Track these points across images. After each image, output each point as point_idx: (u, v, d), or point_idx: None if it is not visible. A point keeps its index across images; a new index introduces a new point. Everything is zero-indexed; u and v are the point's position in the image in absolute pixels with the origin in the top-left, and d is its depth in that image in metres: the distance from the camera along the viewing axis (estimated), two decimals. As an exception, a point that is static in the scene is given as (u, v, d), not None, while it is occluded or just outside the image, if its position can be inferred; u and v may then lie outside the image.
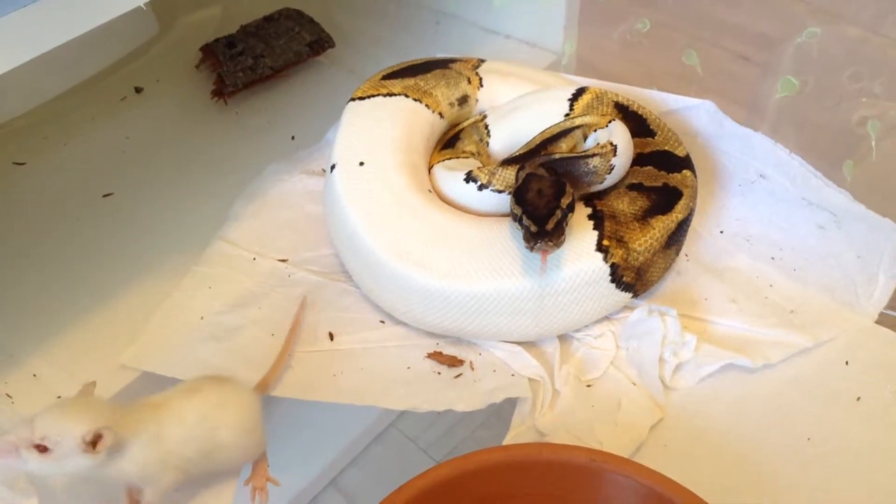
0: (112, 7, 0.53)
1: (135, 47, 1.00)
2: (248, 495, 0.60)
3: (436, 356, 0.68)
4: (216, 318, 0.70)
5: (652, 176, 0.71)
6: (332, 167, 0.72)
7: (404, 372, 0.67)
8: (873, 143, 0.82)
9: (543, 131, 0.73)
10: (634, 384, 0.66)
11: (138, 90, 0.96)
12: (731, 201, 0.78)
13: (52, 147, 0.89)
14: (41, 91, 0.94)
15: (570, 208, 0.64)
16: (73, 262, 0.76)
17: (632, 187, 0.70)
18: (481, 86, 0.80)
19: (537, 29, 0.96)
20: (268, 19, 0.99)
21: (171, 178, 0.84)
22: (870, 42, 0.88)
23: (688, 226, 0.71)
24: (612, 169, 0.68)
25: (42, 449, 0.49)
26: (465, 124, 0.79)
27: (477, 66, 0.81)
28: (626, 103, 0.76)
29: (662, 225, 0.68)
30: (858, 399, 0.65)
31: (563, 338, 0.69)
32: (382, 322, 0.71)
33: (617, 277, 0.66)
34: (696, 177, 0.73)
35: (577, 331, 0.69)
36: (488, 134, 0.77)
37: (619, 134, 0.69)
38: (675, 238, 0.70)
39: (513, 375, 0.67)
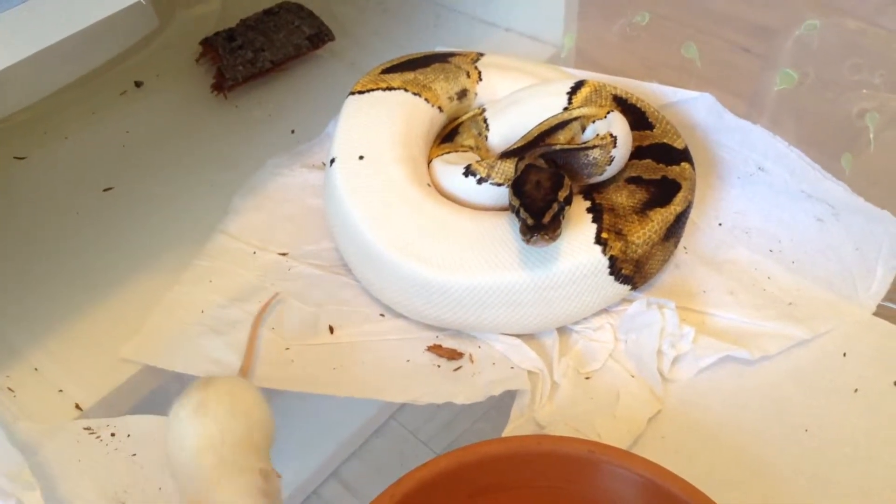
0: (112, 2, 0.53)
1: (135, 41, 1.00)
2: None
3: (435, 349, 0.68)
4: (217, 311, 0.70)
5: (650, 169, 0.71)
6: (332, 161, 0.72)
7: (404, 365, 0.67)
8: (871, 136, 0.82)
9: (541, 123, 0.73)
10: (633, 376, 0.67)
11: (138, 84, 0.96)
12: (729, 194, 0.79)
13: (52, 141, 0.89)
14: (41, 86, 0.94)
15: (568, 201, 0.64)
16: (73, 256, 0.76)
17: (630, 180, 0.70)
18: (480, 80, 0.80)
19: (537, 22, 0.96)
20: (267, 13, 0.98)
21: (172, 172, 0.84)
22: (869, 34, 0.88)
23: (686, 218, 0.72)
24: (612, 160, 0.68)
25: None
26: (463, 118, 0.79)
27: (476, 60, 0.81)
28: (624, 96, 0.76)
29: (661, 217, 0.68)
30: (856, 391, 0.65)
31: (562, 330, 0.69)
32: (382, 315, 0.71)
33: (616, 270, 0.67)
34: (694, 169, 0.73)
35: (576, 323, 0.70)
36: (487, 128, 0.77)
37: (618, 125, 0.69)
38: (674, 230, 0.70)
39: (512, 368, 0.67)
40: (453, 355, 0.68)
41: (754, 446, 0.63)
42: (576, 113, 0.72)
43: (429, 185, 0.72)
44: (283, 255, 0.75)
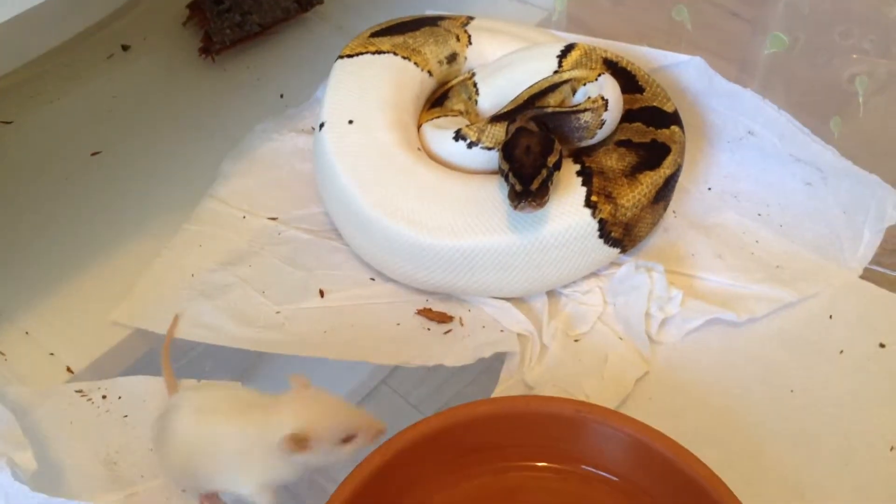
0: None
1: (121, 4, 0.99)
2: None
3: (425, 312, 0.69)
4: (207, 275, 0.70)
5: (640, 132, 0.71)
6: (321, 125, 0.72)
7: (394, 328, 0.68)
8: (861, 100, 0.82)
9: (531, 86, 0.72)
10: (621, 339, 0.67)
11: (125, 48, 0.95)
12: (719, 158, 0.79)
13: (38, 106, 0.88)
14: (27, 49, 0.92)
15: (557, 166, 0.64)
16: (62, 221, 0.76)
17: (620, 143, 0.70)
18: (470, 43, 0.79)
19: (527, -15, 0.95)
20: (255, -25, 0.97)
21: (160, 137, 0.83)
22: (861, -1, 0.88)
23: (675, 181, 0.72)
24: (603, 124, 0.68)
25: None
26: (453, 82, 0.79)
27: (466, 24, 0.81)
28: (614, 59, 0.75)
29: (650, 181, 0.68)
30: (841, 352, 0.66)
31: (552, 293, 0.70)
32: (372, 279, 0.71)
33: (605, 233, 0.67)
34: (684, 132, 0.73)
35: (566, 287, 0.70)
36: (477, 92, 0.77)
37: (609, 88, 0.69)
38: (663, 194, 0.70)
39: (501, 331, 0.67)
40: (443, 318, 0.68)
41: (740, 406, 0.64)
42: (566, 76, 0.72)
43: (419, 149, 0.71)
44: (273, 219, 0.75)
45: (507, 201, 0.63)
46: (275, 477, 0.54)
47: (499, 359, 0.66)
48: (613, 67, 0.75)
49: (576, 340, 0.67)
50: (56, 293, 0.70)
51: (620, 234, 0.68)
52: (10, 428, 0.56)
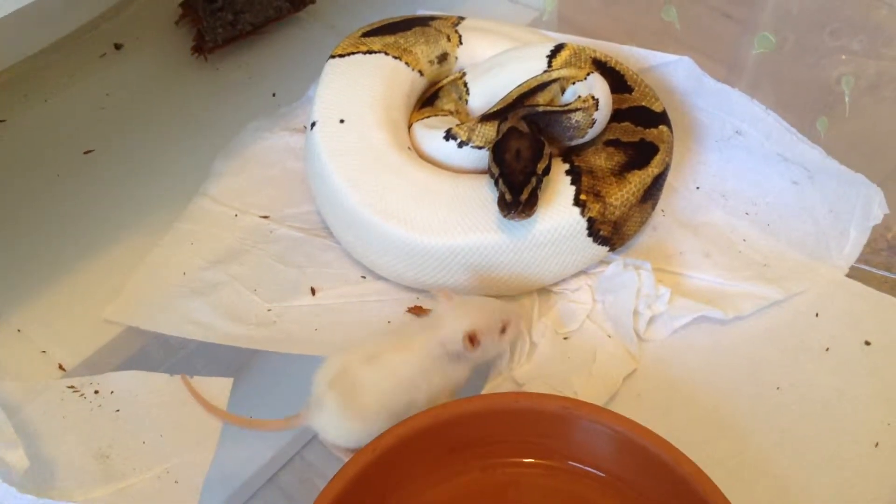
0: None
1: (114, 3, 0.99)
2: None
3: (415, 310, 0.69)
4: (198, 273, 0.71)
5: (629, 131, 0.72)
6: (313, 125, 0.72)
7: (384, 325, 0.68)
8: (847, 100, 0.83)
9: (520, 85, 0.73)
10: (609, 336, 0.68)
11: (118, 47, 0.95)
12: (707, 157, 0.79)
13: (32, 104, 0.89)
14: (20, 47, 0.93)
15: (546, 171, 0.65)
16: (54, 219, 0.76)
17: (609, 143, 0.71)
18: (461, 43, 0.80)
19: (519, -15, 0.96)
20: (247, -25, 0.98)
21: (152, 135, 0.84)
22: (851, 0, 0.88)
23: (664, 180, 0.72)
24: (594, 123, 0.69)
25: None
26: (444, 82, 0.79)
27: (456, 24, 0.81)
28: (603, 59, 0.76)
29: (638, 179, 0.69)
30: (827, 350, 0.67)
31: (542, 291, 0.70)
32: (363, 277, 0.72)
33: (594, 231, 0.67)
34: (672, 132, 0.73)
35: (555, 285, 0.71)
36: (467, 92, 0.77)
37: (599, 87, 0.70)
38: (651, 192, 0.71)
39: None
40: None
41: (727, 403, 0.64)
42: (555, 74, 0.73)
43: (409, 148, 0.72)
44: (265, 217, 0.75)
45: (497, 203, 0.64)
46: (457, 380, 0.60)
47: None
48: (602, 67, 0.75)
49: (565, 338, 0.68)
50: (48, 291, 0.70)
51: (609, 233, 0.68)
52: (1, 426, 0.57)
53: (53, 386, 0.63)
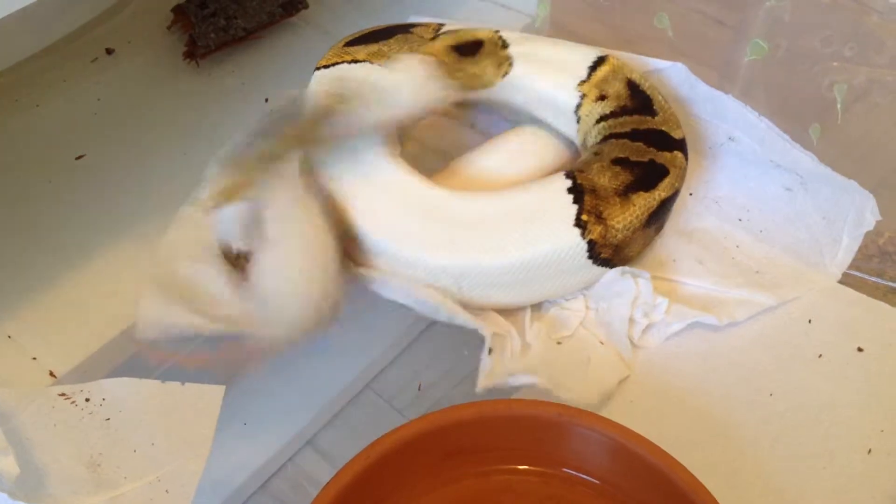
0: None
1: (106, 8, 0.99)
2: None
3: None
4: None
5: (640, 151, 0.70)
6: None
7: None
8: (839, 107, 0.83)
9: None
10: (602, 343, 0.68)
11: (110, 52, 0.95)
12: (700, 164, 0.79)
13: (23, 109, 0.88)
14: (11, 52, 0.92)
15: None
16: (46, 225, 0.76)
17: (616, 161, 0.69)
18: None
19: (511, -9, 0.96)
20: (240, -20, 0.98)
21: (145, 140, 0.84)
22: (840, 7, 0.89)
23: (671, 206, 0.71)
24: None
25: None
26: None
27: (438, 30, 0.81)
28: (638, 82, 0.75)
29: (643, 202, 0.67)
30: (820, 356, 0.67)
31: (536, 301, 0.70)
32: (357, 282, 0.71)
33: (595, 254, 0.66)
34: (687, 161, 0.72)
35: (551, 297, 0.70)
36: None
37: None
38: (657, 217, 0.69)
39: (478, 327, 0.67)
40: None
41: (720, 410, 0.64)
42: None
43: (400, 155, 0.72)
44: None
45: (498, 221, 0.64)
46: None
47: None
48: (634, 89, 0.74)
49: (558, 343, 0.68)
50: (39, 298, 0.70)
51: (610, 255, 0.67)
52: (-9, 432, 0.56)
53: (44, 393, 0.62)
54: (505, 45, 0.77)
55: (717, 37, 0.90)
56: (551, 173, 0.70)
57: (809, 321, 0.69)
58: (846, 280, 0.72)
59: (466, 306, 0.68)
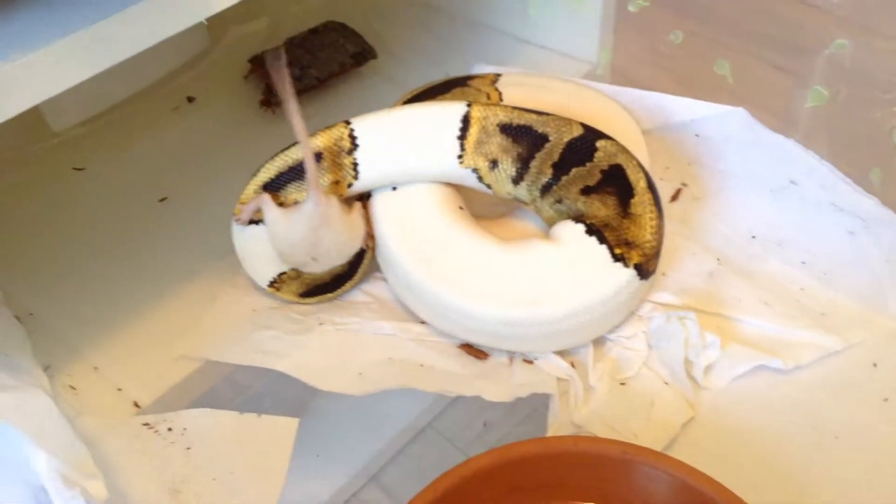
0: (177, 21, 0.57)
1: (187, 59, 1.04)
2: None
3: (465, 348, 0.71)
4: (268, 312, 0.73)
5: (586, 173, 0.70)
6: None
7: (435, 360, 0.69)
8: (899, 150, 0.84)
9: None
10: (666, 383, 0.68)
11: (190, 100, 1.00)
12: (762, 207, 0.80)
13: (109, 153, 0.93)
14: (100, 100, 0.98)
15: None
16: (130, 262, 0.80)
17: (585, 192, 0.70)
18: (501, 100, 0.82)
19: (572, 40, 0.98)
20: (313, 32, 1.02)
21: (223, 183, 0.87)
22: (899, 53, 0.89)
23: (652, 179, 0.71)
24: None
25: None
26: None
27: (495, 81, 0.83)
28: (507, 120, 0.71)
29: (641, 204, 0.68)
30: (886, 400, 0.67)
31: (596, 340, 0.71)
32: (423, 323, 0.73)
33: (645, 272, 0.68)
34: (614, 139, 0.71)
35: (610, 332, 0.71)
36: None
37: None
38: (657, 201, 0.70)
39: (541, 374, 0.69)
40: (480, 355, 0.70)
41: (785, 452, 0.64)
42: None
43: (461, 208, 0.73)
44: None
45: (553, 269, 0.66)
46: None
47: (544, 403, 0.68)
48: (509, 129, 0.71)
49: (622, 384, 0.69)
50: (124, 331, 0.74)
51: (656, 265, 0.69)
52: (82, 458, 0.59)
53: (129, 422, 0.66)
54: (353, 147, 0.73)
55: (777, 83, 0.91)
56: None
57: (875, 365, 0.69)
58: (911, 324, 0.71)
59: (527, 351, 0.70)
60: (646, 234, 0.68)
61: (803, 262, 0.76)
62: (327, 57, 0.99)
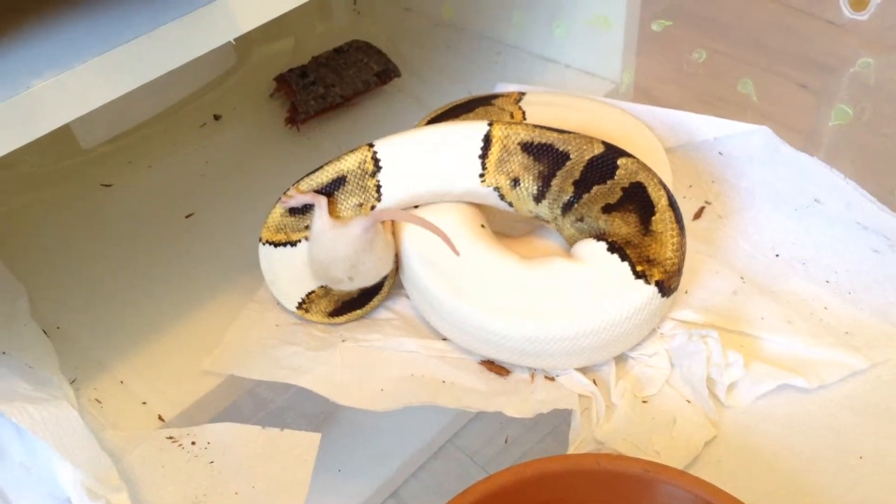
0: (204, 42, 0.58)
1: (214, 77, 1.06)
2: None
3: (487, 364, 0.71)
4: (290, 327, 0.74)
5: (606, 191, 0.70)
6: None
7: (457, 377, 0.70)
8: (926, 170, 0.83)
9: None
10: (688, 402, 0.68)
11: (217, 117, 1.01)
12: (786, 225, 0.80)
13: (136, 170, 0.95)
14: (127, 118, 1.00)
15: None
16: (156, 278, 0.81)
17: (606, 210, 0.70)
18: (524, 119, 0.82)
19: (596, 59, 0.99)
20: (338, 51, 1.04)
21: (248, 200, 0.89)
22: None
23: (674, 198, 0.71)
24: None
25: None
26: None
27: (518, 100, 0.83)
28: (529, 139, 0.72)
29: (662, 222, 0.68)
30: (912, 420, 0.66)
31: (618, 357, 0.71)
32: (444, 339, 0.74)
33: (666, 290, 0.68)
34: (635, 157, 0.71)
35: (633, 350, 0.71)
36: None
37: None
38: (679, 219, 0.70)
39: (563, 390, 0.69)
40: (502, 372, 0.70)
41: (809, 471, 0.64)
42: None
43: (483, 226, 0.74)
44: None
45: (576, 286, 0.66)
46: None
47: (565, 420, 0.67)
48: (530, 147, 0.72)
49: (644, 402, 0.68)
50: (149, 345, 0.75)
51: (677, 283, 0.69)
52: (107, 471, 0.60)
53: (153, 436, 0.66)
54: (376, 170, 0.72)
55: (801, 101, 0.91)
56: None
57: (900, 384, 0.68)
58: (937, 343, 0.71)
59: (548, 369, 0.70)
60: (667, 252, 0.68)
61: (827, 281, 0.76)
62: (352, 76, 1.00)
